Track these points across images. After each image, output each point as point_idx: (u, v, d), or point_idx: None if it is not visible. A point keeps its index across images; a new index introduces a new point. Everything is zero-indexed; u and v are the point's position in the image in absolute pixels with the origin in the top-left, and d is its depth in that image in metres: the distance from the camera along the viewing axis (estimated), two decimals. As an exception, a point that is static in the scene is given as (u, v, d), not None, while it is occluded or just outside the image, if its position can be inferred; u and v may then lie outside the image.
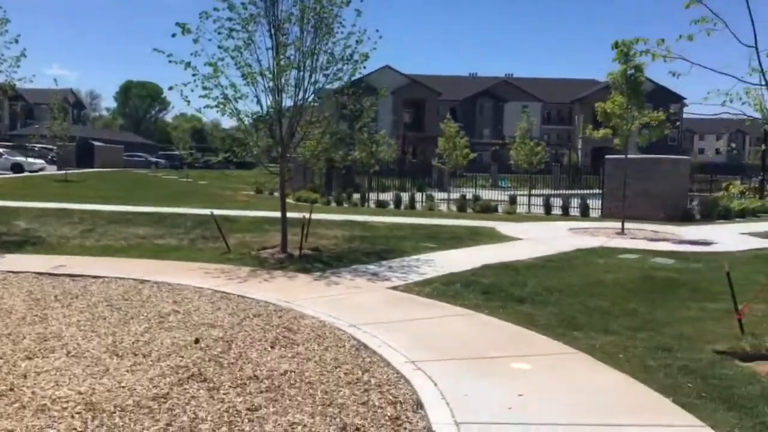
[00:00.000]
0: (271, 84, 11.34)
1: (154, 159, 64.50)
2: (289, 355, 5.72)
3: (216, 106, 11.17)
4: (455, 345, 6.07)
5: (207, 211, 14.35)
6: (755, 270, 10.22)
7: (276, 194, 31.64)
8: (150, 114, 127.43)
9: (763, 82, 5.13)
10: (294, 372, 5.24)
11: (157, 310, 7.25)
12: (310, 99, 11.84)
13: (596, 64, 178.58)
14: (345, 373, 5.26)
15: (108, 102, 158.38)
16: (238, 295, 8.12)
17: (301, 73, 11.49)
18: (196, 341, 6.04)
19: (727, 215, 20.62)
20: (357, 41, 11.33)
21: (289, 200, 26.75)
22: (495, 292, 8.42)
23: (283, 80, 11.34)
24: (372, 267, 10.35)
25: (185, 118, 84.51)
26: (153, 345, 5.91)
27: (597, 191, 24.81)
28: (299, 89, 11.53)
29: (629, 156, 21.97)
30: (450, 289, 8.61)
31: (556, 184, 34.47)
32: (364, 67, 11.52)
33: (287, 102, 11.70)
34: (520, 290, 8.54)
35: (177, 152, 52.54)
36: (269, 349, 5.90)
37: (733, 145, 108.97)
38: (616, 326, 6.78)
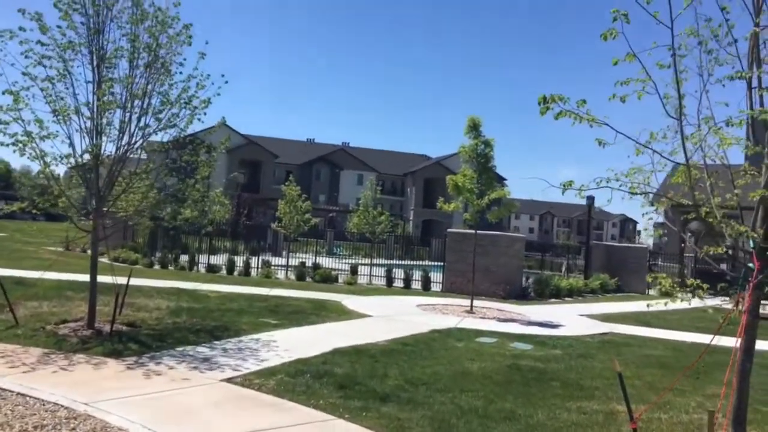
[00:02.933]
0: (88, 124, 9.41)
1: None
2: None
3: (13, 144, 8.96)
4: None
5: (-7, 272, 11.63)
6: (611, 357, 9.91)
7: (89, 252, 28.16)
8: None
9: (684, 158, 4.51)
10: None
11: None
12: (137, 146, 10.01)
13: (427, 140, 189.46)
14: None
15: None
16: (18, 393, 6.06)
17: (128, 114, 9.70)
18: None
19: (558, 294, 21.23)
20: (198, 85, 9.85)
21: (105, 260, 23.57)
22: (353, 386, 7.10)
23: (104, 120, 9.47)
24: (202, 350, 8.58)
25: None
26: None
27: (428, 263, 25.06)
28: (124, 133, 9.70)
29: (467, 231, 22.19)
30: (299, 382, 7.15)
31: (391, 254, 34.36)
32: (205, 113, 9.99)
33: (108, 147, 9.80)
34: (381, 384, 7.30)
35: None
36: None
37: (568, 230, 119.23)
38: (502, 436, 5.74)
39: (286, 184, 23.14)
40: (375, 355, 8.82)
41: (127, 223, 11.08)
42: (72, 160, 9.56)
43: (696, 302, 5.00)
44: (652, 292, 26.33)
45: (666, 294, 4.69)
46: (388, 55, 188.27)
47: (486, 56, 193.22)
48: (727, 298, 4.76)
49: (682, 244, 31.84)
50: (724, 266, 6.96)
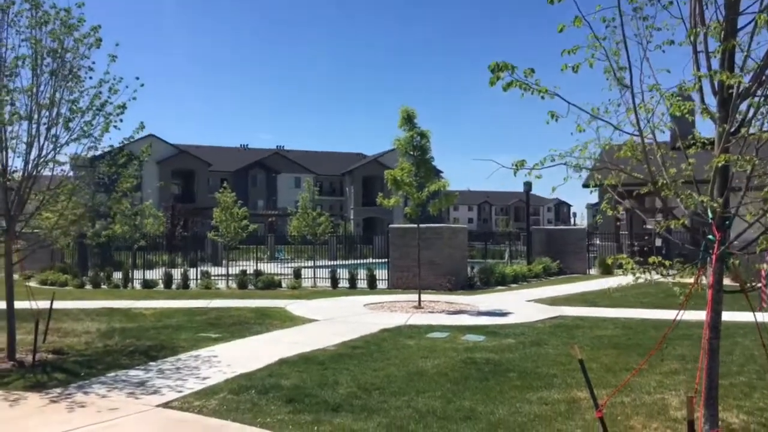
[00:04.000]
0: (-10, 138, 8.60)
1: None
2: None
3: None
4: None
5: None
6: (565, 342, 9.77)
7: (16, 276, 26.49)
8: None
9: (637, 130, 4.26)
10: None
11: None
12: (49, 159, 9.20)
13: (362, 138, 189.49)
14: None
15: None
16: None
17: (35, 126, 8.90)
18: None
19: (503, 281, 21.23)
20: (111, 90, 9.14)
21: (33, 284, 22.19)
22: (302, 398, 6.63)
23: (7, 134, 8.67)
24: (136, 373, 7.93)
25: None
26: None
27: (372, 261, 24.81)
28: (32, 146, 8.90)
29: (409, 226, 21.93)
30: (243, 399, 6.64)
31: (333, 255, 33.93)
32: (121, 120, 9.28)
33: (16, 163, 8.98)
34: (332, 393, 6.86)
35: None
36: None
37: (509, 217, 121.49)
38: (465, 438, 5.41)
39: (220, 191, 22.35)
40: (324, 362, 8.36)
41: (45, 244, 10.17)
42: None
43: (632, 278, 4.75)
44: (592, 271, 26.79)
45: (631, 273, 4.42)
46: (317, 54, 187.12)
47: (421, 45, 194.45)
48: (671, 273, 4.54)
49: (617, 223, 32.61)
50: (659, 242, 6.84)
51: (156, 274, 21.74)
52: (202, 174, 77.60)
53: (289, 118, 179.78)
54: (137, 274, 21.68)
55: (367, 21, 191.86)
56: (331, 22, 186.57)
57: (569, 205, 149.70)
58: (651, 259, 4.47)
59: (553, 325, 11.46)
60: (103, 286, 20.53)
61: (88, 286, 20.53)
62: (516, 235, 31.09)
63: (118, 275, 21.35)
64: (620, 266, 4.60)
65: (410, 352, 9.02)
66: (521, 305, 14.68)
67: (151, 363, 8.52)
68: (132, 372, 7.99)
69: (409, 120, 14.17)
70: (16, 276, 25.83)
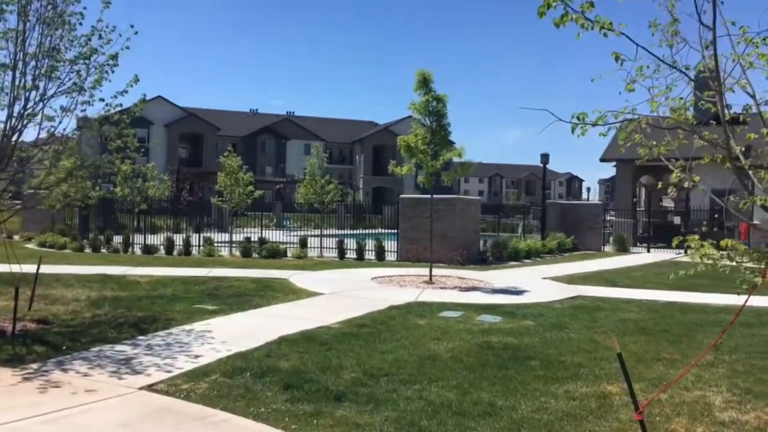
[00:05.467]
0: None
1: None
2: None
3: None
4: None
5: None
6: (588, 326, 9.05)
7: (16, 237, 25.91)
8: None
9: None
10: None
11: None
12: (37, 113, 8.45)
13: (374, 106, 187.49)
14: None
15: None
16: None
17: (21, 77, 8.13)
18: None
19: (516, 256, 20.50)
20: (101, 38, 8.34)
21: (31, 246, 21.65)
22: (302, 384, 5.95)
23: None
24: (123, 348, 7.28)
25: None
26: None
27: (381, 231, 24.38)
28: (17, 98, 8.14)
29: (420, 196, 21.12)
30: (237, 383, 5.96)
31: (342, 224, 33.19)
32: (112, 71, 8.49)
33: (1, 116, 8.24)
34: (335, 379, 6.17)
35: None
36: None
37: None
38: (485, 440, 4.72)
39: (225, 155, 21.53)
40: (327, 341, 7.67)
41: (29, 204, 9.44)
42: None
43: (650, 256, 4.02)
44: (607, 248, 26.00)
45: (704, 255, 3.65)
46: (330, 17, 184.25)
47: (436, 13, 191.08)
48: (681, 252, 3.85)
49: (634, 199, 31.66)
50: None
51: (159, 239, 21.10)
52: (210, 138, 76.76)
53: (301, 85, 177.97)
54: (139, 239, 21.07)
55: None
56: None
57: (581, 180, 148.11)
58: (723, 243, 3.69)
59: (572, 306, 10.73)
60: (102, 250, 19.94)
61: (88, 250, 19.95)
62: (527, 209, 30.13)
63: (119, 239, 20.75)
64: (686, 249, 3.82)
65: (421, 332, 8.32)
66: (537, 283, 13.95)
67: (140, 337, 7.86)
68: (118, 347, 7.33)
69: (425, 83, 13.28)
70: (16, 237, 25.44)
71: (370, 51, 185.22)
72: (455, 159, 13.97)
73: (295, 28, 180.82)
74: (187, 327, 8.45)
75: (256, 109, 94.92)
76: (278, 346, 7.40)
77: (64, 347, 7.25)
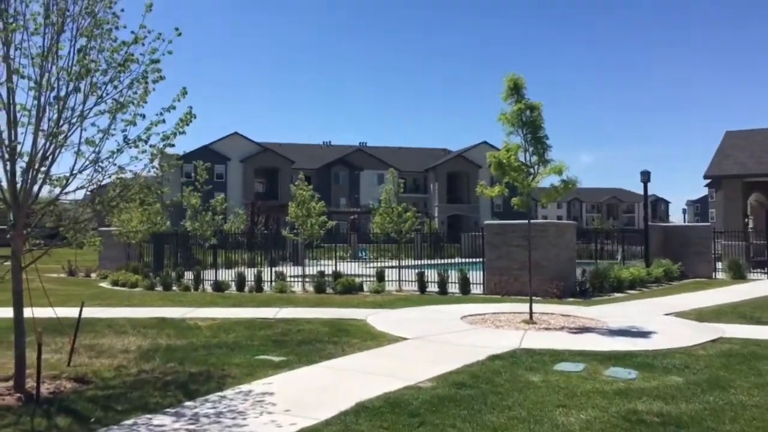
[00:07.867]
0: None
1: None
2: None
3: None
4: None
5: None
6: (757, 383, 6.90)
7: (93, 275, 25.51)
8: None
9: None
10: None
11: None
12: (68, 133, 7.22)
13: (446, 133, 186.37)
14: None
15: None
16: None
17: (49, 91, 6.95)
18: None
19: (619, 287, 18.14)
20: (137, 40, 7.08)
21: (105, 284, 21.03)
22: (389, 484, 4.21)
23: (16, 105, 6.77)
24: (163, 421, 5.77)
25: None
26: None
27: (461, 260, 22.80)
28: (41, 118, 6.95)
29: (507, 222, 19.18)
30: (301, 481, 4.29)
31: (419, 254, 31.47)
32: (162, 77, 7.21)
33: (26, 139, 7.04)
34: (435, 475, 4.40)
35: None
36: None
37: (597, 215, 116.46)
38: None
39: (296, 184, 20.34)
40: (418, 410, 5.90)
41: (58, 241, 8.11)
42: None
43: None
44: (720, 276, 23.08)
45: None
46: (399, 49, 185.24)
47: (503, 39, 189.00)
48: None
49: (746, 219, 28.45)
50: None
51: (233, 274, 19.98)
52: (285, 171, 77.19)
53: (371, 115, 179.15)
54: (212, 275, 20.02)
55: (450, 18, 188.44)
56: (414, 21, 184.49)
57: (667, 202, 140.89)
58: None
59: (720, 354, 8.52)
60: (174, 288, 18.96)
61: (159, 288, 19.04)
62: (622, 233, 27.44)
63: (190, 275, 19.78)
64: None
65: (539, 395, 6.42)
66: (660, 320, 11.71)
67: (187, 403, 6.35)
68: (158, 419, 5.83)
69: (516, 90, 11.49)
70: (93, 275, 24.99)
71: (440, 77, 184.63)
72: (555, 177, 12.03)
73: (364, 61, 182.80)
74: (245, 387, 6.89)
75: (329, 141, 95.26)
76: (355, 418, 5.69)
77: (93, 419, 5.81)
